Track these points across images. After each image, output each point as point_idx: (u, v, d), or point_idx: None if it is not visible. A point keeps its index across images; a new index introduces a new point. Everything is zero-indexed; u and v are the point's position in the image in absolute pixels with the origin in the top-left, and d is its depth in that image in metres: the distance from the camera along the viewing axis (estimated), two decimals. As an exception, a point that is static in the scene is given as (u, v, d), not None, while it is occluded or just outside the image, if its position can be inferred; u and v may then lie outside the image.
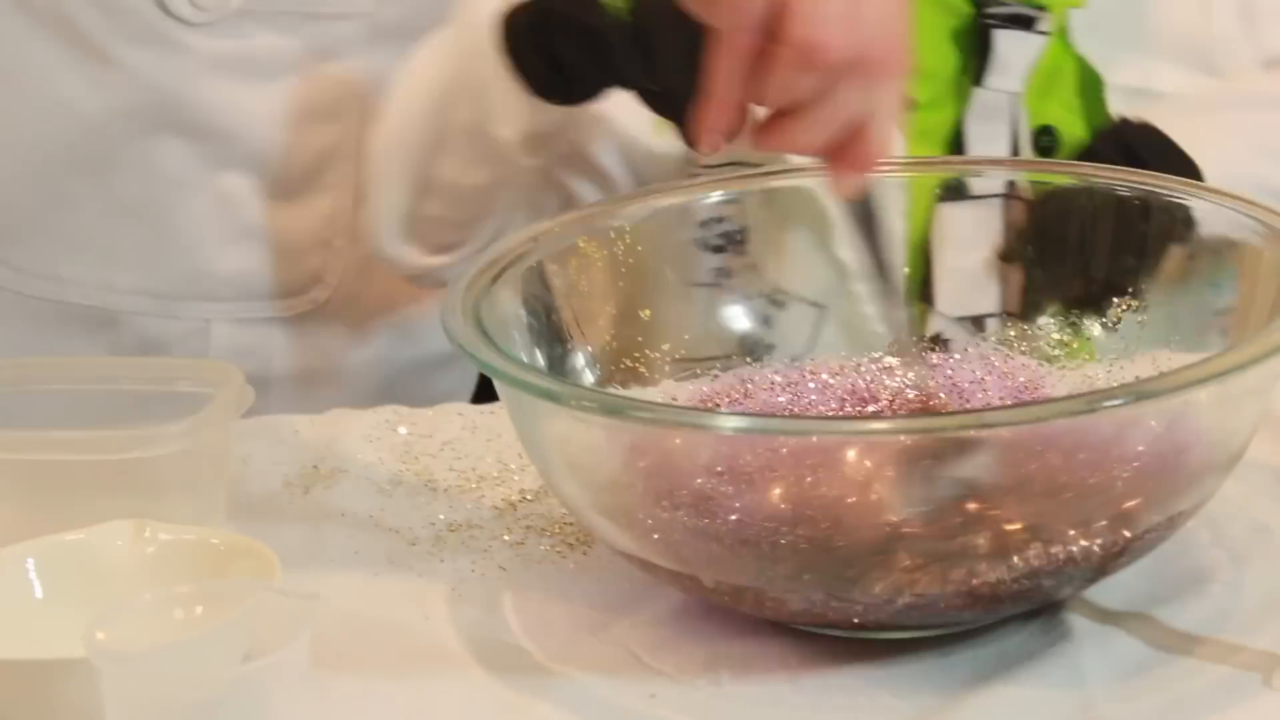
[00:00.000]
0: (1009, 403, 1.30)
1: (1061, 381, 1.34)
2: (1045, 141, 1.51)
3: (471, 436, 1.42)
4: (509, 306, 1.26)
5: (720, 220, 1.36)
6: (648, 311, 1.34)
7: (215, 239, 1.62)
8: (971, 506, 1.11)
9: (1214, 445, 1.15)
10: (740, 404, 1.32)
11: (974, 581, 1.10)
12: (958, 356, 1.35)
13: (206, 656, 1.04)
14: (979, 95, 1.50)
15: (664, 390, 1.34)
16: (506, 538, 1.30)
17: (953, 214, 1.43)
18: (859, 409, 1.31)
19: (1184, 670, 1.13)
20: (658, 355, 1.35)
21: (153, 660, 1.03)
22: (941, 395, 1.30)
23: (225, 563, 1.17)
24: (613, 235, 1.33)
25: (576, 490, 1.18)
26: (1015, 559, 1.10)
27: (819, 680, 1.14)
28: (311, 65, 1.60)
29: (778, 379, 1.34)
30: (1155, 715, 1.09)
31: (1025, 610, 1.16)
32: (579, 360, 1.31)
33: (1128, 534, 1.13)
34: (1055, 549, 1.11)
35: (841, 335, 1.38)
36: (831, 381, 1.33)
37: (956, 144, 1.51)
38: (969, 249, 1.42)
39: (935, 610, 1.12)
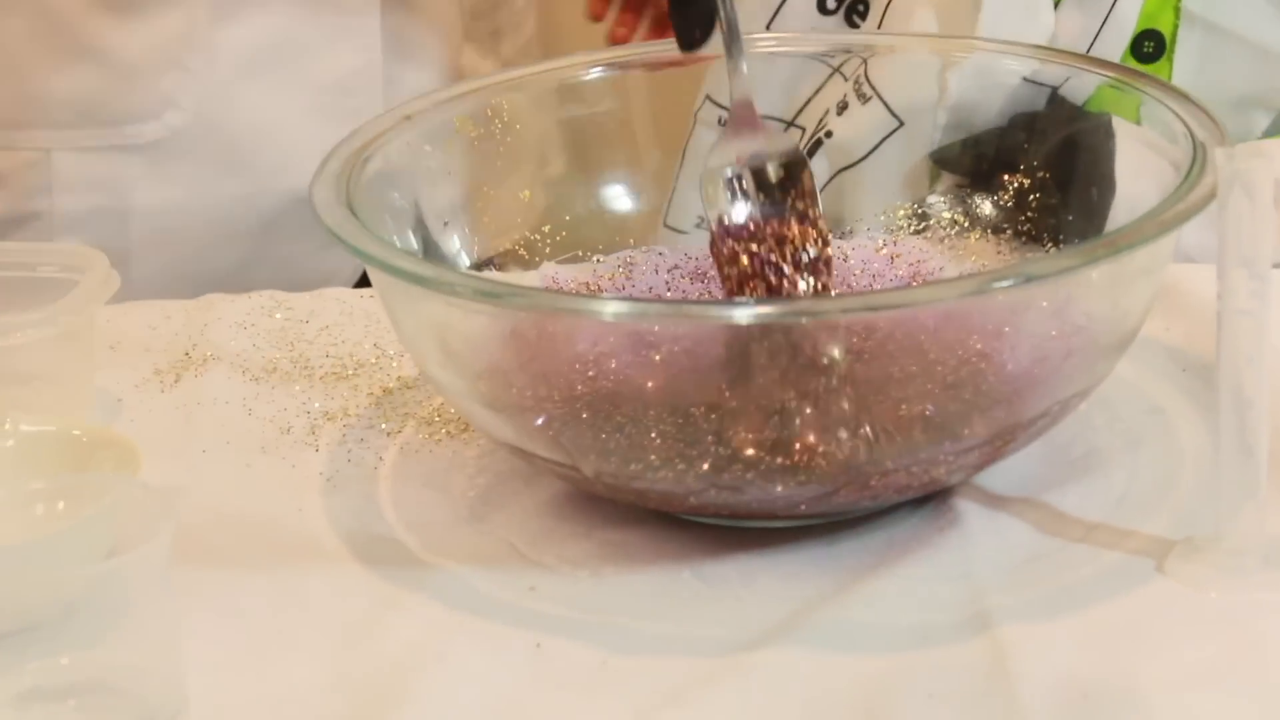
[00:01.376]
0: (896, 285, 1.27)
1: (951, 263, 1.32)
2: (1148, 48, 1.45)
3: (350, 322, 1.39)
4: (381, 186, 1.22)
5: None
6: (527, 193, 1.30)
7: (44, 58, 1.54)
8: (855, 389, 1.09)
9: (1105, 327, 1.12)
10: (622, 288, 1.29)
11: (857, 467, 1.08)
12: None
13: (67, 553, 1.01)
14: None
15: (544, 274, 1.31)
16: (384, 426, 1.27)
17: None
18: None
19: (1075, 557, 1.11)
20: (538, 238, 1.32)
21: (11, 557, 1.00)
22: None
23: (88, 455, 1.14)
24: (489, 113, 1.30)
25: (453, 378, 1.15)
26: (902, 444, 1.08)
27: (701, 570, 1.11)
28: None
29: (662, 259, 1.31)
30: (1045, 604, 1.07)
31: (914, 498, 1.13)
32: (454, 243, 1.28)
33: (1018, 417, 1.11)
34: (943, 433, 1.09)
35: None
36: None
37: None
38: None
39: (820, 498, 1.09)
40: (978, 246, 1.32)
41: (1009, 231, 1.31)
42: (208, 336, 1.38)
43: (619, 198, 1.34)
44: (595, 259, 1.31)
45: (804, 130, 1.44)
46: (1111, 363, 1.15)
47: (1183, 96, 1.21)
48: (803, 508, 1.11)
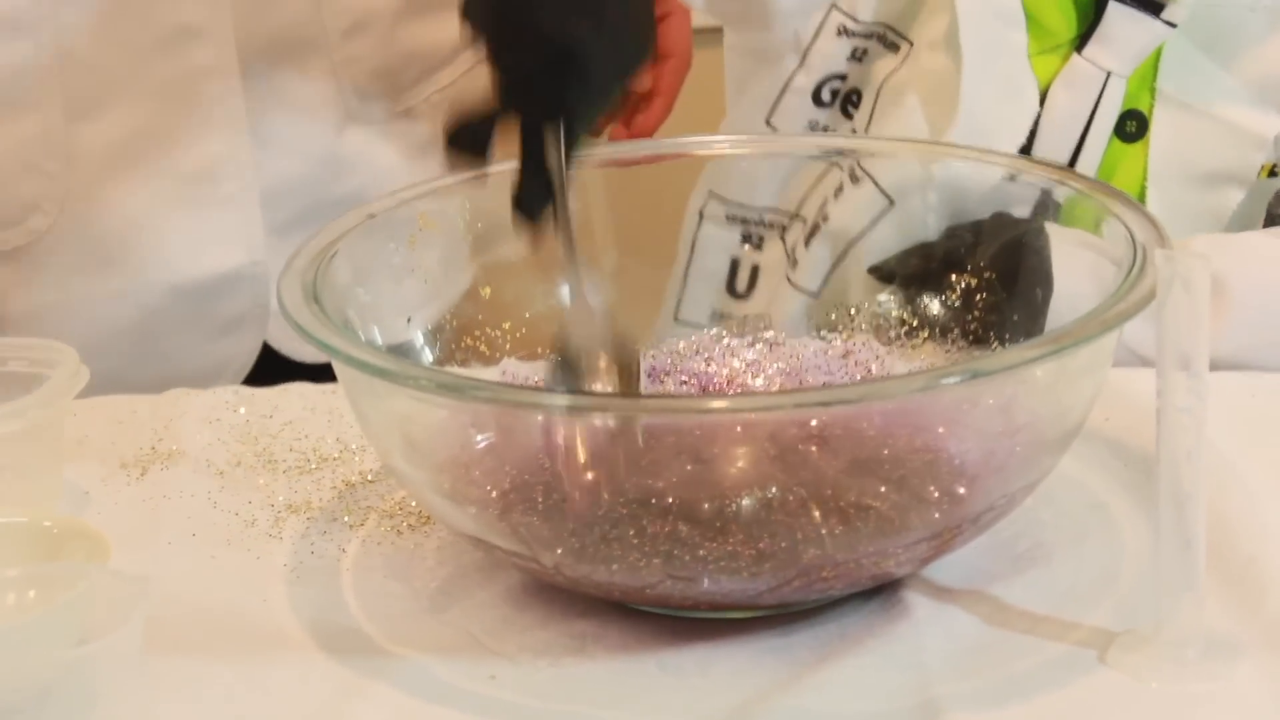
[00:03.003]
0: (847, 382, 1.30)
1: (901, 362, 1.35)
2: (1130, 127, 1.49)
3: (312, 416, 1.41)
4: (346, 283, 1.24)
5: None
6: (488, 289, 1.33)
7: None
8: (806, 486, 1.11)
9: (1050, 423, 1.15)
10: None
11: (809, 560, 1.10)
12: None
13: (40, 638, 1.02)
14: (1074, 62, 1.47)
15: (504, 369, 1.33)
16: (346, 519, 1.29)
17: None
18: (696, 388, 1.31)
19: (1021, 648, 1.13)
20: (498, 334, 1.34)
21: (-17, 645, 1.02)
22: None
23: (58, 546, 1.16)
24: (453, 212, 1.33)
25: (415, 470, 1.17)
26: (852, 538, 1.11)
27: (658, 659, 1.13)
28: None
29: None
30: (992, 692, 1.09)
31: (864, 590, 1.16)
32: (418, 339, 1.31)
33: (965, 512, 1.13)
34: (891, 527, 1.12)
35: None
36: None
37: (1043, 101, 1.48)
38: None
39: (772, 589, 1.12)
40: (926, 347, 1.35)
41: (956, 332, 1.34)
42: (173, 431, 1.40)
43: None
44: (553, 356, 1.34)
45: (806, 220, 1.47)
46: (1056, 457, 1.18)
47: (1125, 199, 1.25)
48: (757, 598, 1.13)
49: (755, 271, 1.50)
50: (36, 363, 1.31)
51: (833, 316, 1.39)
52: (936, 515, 1.13)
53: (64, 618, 1.04)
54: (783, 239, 1.49)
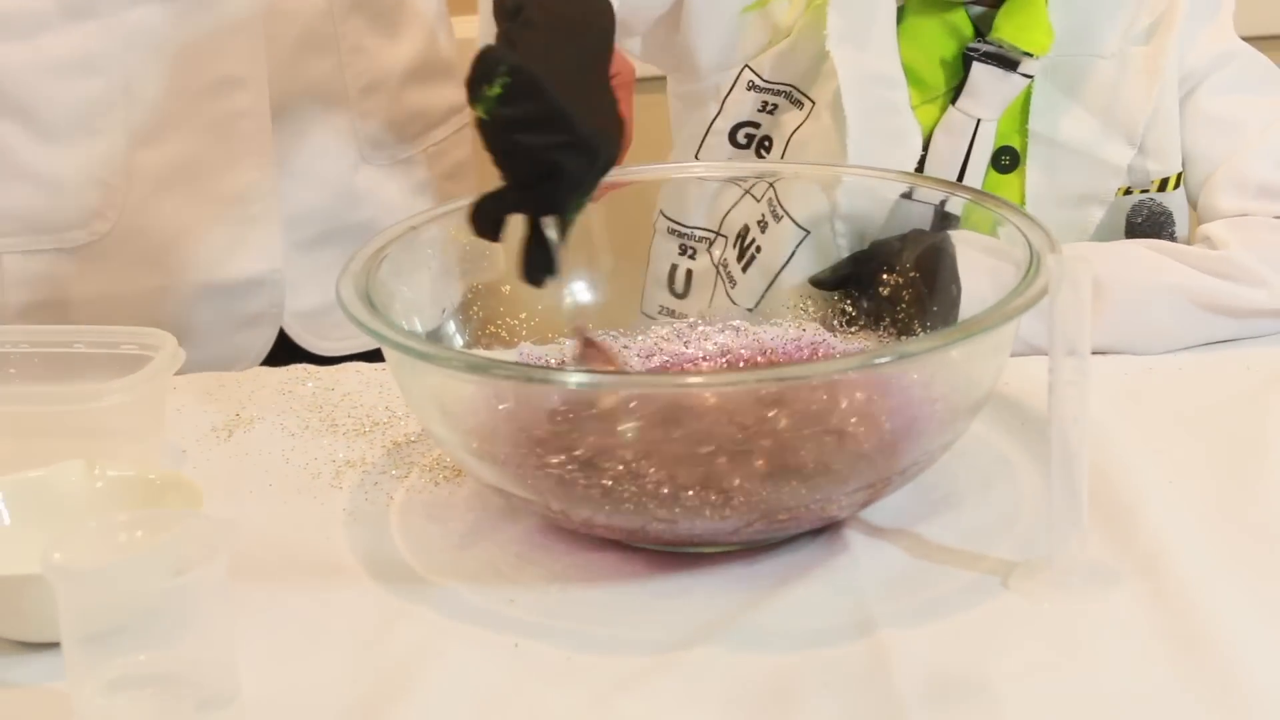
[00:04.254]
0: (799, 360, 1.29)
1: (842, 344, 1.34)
2: (1004, 161, 1.47)
3: (366, 389, 1.40)
4: (393, 283, 1.24)
5: None
6: (508, 287, 1.32)
7: None
8: (767, 447, 1.10)
9: (963, 394, 1.15)
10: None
11: (769, 507, 1.10)
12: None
13: (144, 572, 1.02)
14: (951, 113, 1.45)
15: (521, 352, 1.33)
16: (394, 472, 1.28)
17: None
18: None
19: (939, 575, 1.13)
20: (517, 322, 1.34)
21: (98, 576, 1.01)
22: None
23: (160, 495, 1.15)
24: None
25: (449, 434, 1.16)
26: (804, 491, 1.10)
27: (644, 587, 1.13)
28: (68, 22, 1.51)
29: (613, 339, 1.33)
30: (916, 612, 1.09)
31: (813, 529, 1.15)
32: (450, 327, 1.30)
33: (894, 467, 1.13)
34: (835, 479, 1.11)
35: None
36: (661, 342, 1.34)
37: (927, 144, 1.46)
38: None
39: (739, 531, 1.11)
40: (862, 334, 1.34)
41: (887, 321, 1.33)
42: (254, 401, 1.39)
43: (580, 292, 1.35)
44: (561, 340, 1.33)
45: (726, 238, 1.46)
46: (968, 422, 1.17)
47: (1012, 208, 1.24)
48: (727, 537, 1.12)
49: (689, 275, 1.49)
50: (145, 346, 1.30)
51: (787, 306, 1.39)
52: (871, 469, 1.12)
53: (164, 553, 1.03)
54: (709, 251, 1.48)
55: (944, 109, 1.45)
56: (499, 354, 1.32)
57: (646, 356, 1.34)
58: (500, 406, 1.14)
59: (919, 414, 1.13)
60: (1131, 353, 1.38)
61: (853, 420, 1.12)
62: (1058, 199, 1.45)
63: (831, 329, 1.36)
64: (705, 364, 1.32)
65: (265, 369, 1.46)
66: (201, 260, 1.57)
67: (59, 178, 1.55)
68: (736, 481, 1.09)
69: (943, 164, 1.45)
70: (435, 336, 1.28)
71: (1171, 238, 1.48)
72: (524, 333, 1.34)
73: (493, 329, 1.33)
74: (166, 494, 1.15)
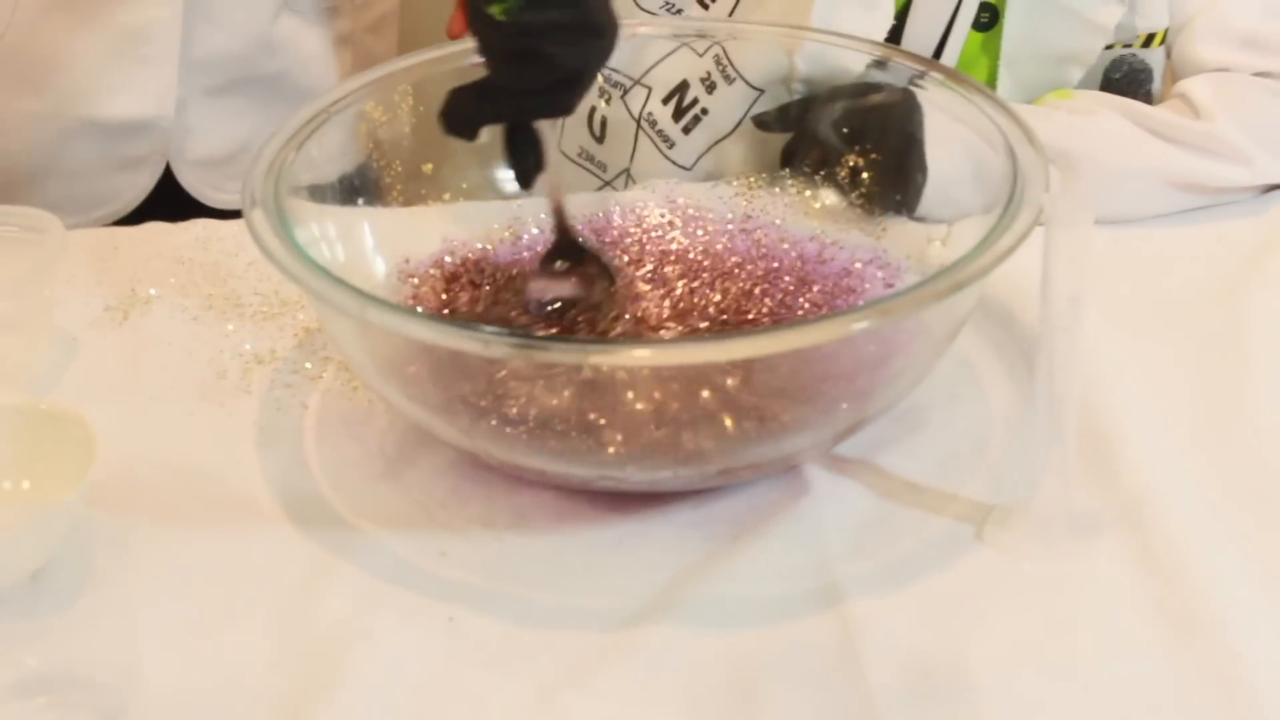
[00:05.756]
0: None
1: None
2: (983, 18, 1.28)
3: (274, 254, 1.24)
4: (304, 174, 1.07)
5: None
6: (429, 165, 1.16)
7: None
8: (731, 400, 0.97)
9: (940, 329, 1.01)
10: (511, 253, 1.15)
11: (732, 466, 0.96)
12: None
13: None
14: None
15: (444, 237, 1.17)
16: (308, 367, 1.14)
17: None
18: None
19: (907, 524, 1.01)
20: (440, 204, 1.18)
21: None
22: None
23: (48, 432, 1.00)
24: (396, 98, 1.15)
25: (372, 378, 1.02)
26: (771, 446, 0.97)
27: (589, 534, 1.00)
28: None
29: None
30: (884, 575, 0.97)
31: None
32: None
33: (866, 411, 1.00)
34: (803, 430, 0.98)
35: None
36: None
37: (905, 8, 1.28)
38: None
39: (696, 484, 0.98)
40: (821, 209, 1.20)
41: (851, 195, 1.18)
42: (150, 272, 1.23)
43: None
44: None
45: (650, 89, 1.29)
46: (942, 352, 1.03)
47: (990, 96, 1.08)
48: (680, 488, 0.99)
49: (604, 122, 1.32)
50: (25, 229, 1.14)
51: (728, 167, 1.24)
52: (842, 418, 0.99)
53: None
54: (625, 101, 1.31)
55: None
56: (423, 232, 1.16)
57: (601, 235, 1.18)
58: (426, 358, 0.99)
59: (894, 351, 0.99)
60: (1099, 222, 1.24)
61: (825, 376, 0.98)
62: (1037, 57, 1.29)
63: (774, 191, 1.20)
64: (653, 281, 1.15)
65: (161, 226, 1.29)
66: (84, 92, 1.40)
67: None
68: (700, 443, 0.95)
69: (924, 29, 1.28)
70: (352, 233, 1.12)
71: (1148, 96, 1.32)
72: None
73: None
74: (54, 431, 1.00)
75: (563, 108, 1.01)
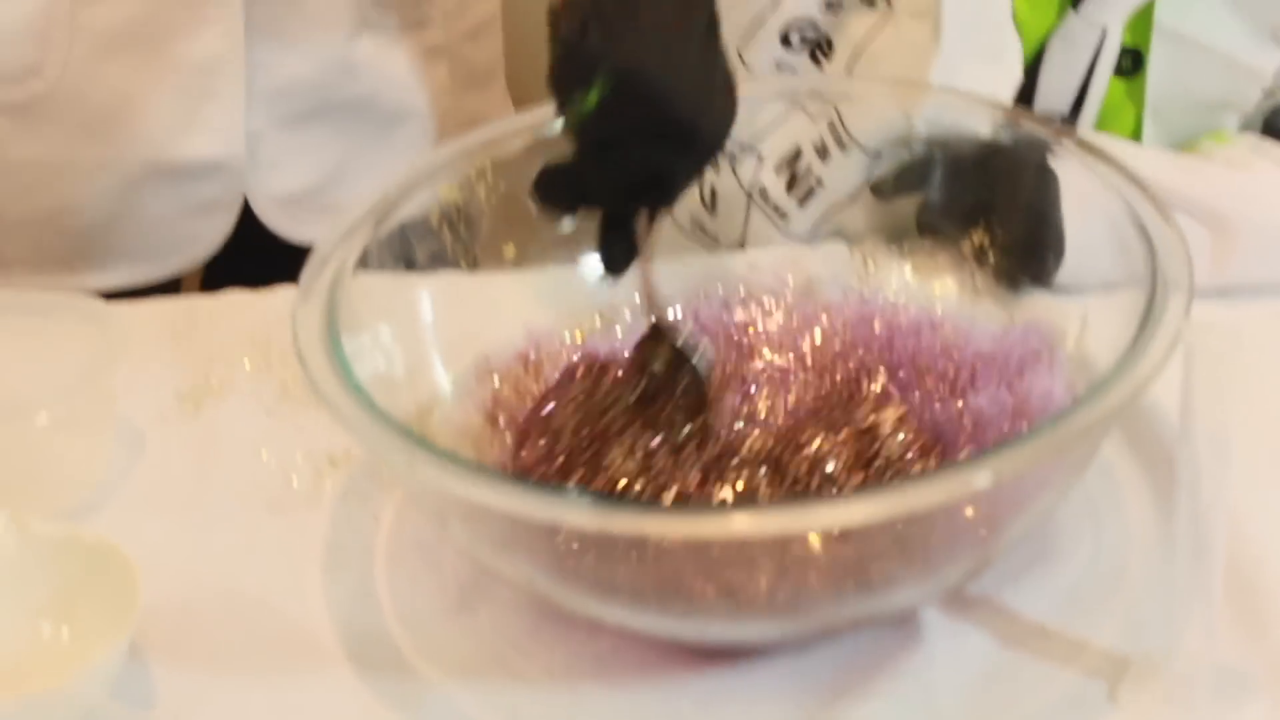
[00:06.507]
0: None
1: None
2: (1125, 64, 1.16)
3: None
4: (372, 262, 0.98)
5: None
6: (511, 248, 1.05)
7: None
8: (826, 554, 0.85)
9: (1075, 464, 0.88)
10: (603, 343, 1.04)
11: (833, 622, 0.85)
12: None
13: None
14: (1070, 19, 1.14)
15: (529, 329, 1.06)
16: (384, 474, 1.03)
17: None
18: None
19: (1032, 679, 0.89)
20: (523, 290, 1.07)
21: None
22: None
23: (87, 565, 0.91)
24: (474, 176, 1.04)
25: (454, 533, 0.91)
26: (869, 598, 0.85)
27: (675, 689, 0.89)
28: None
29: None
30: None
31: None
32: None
33: (983, 562, 0.87)
34: (909, 585, 0.86)
35: None
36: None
37: (1038, 57, 1.16)
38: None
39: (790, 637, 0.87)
40: (944, 286, 1.07)
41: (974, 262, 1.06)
42: (227, 351, 1.14)
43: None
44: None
45: (764, 160, 1.17)
46: (1077, 480, 0.91)
47: (1139, 187, 0.95)
48: (774, 643, 0.88)
49: (714, 192, 1.20)
50: (84, 320, 1.05)
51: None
52: (962, 566, 0.86)
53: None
54: (735, 171, 1.19)
55: (1060, 13, 1.14)
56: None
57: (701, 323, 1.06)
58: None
59: (1021, 497, 0.87)
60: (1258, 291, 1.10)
61: (952, 525, 0.86)
62: (1185, 104, 1.15)
63: (892, 265, 1.08)
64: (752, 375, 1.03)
65: (241, 297, 1.20)
66: (150, 135, 1.31)
67: None
68: (796, 600, 0.84)
69: (1059, 80, 1.14)
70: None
71: None
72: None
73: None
74: (94, 564, 0.91)
75: (656, 203, 0.91)
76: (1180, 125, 1.15)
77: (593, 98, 0.84)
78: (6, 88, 1.30)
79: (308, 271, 0.95)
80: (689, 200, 1.20)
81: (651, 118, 0.85)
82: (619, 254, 0.94)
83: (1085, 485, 0.98)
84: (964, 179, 1.08)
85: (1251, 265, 1.10)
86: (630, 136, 0.86)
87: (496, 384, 1.02)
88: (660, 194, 0.91)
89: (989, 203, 1.06)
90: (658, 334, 0.98)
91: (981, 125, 1.05)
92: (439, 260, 1.03)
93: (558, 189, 0.91)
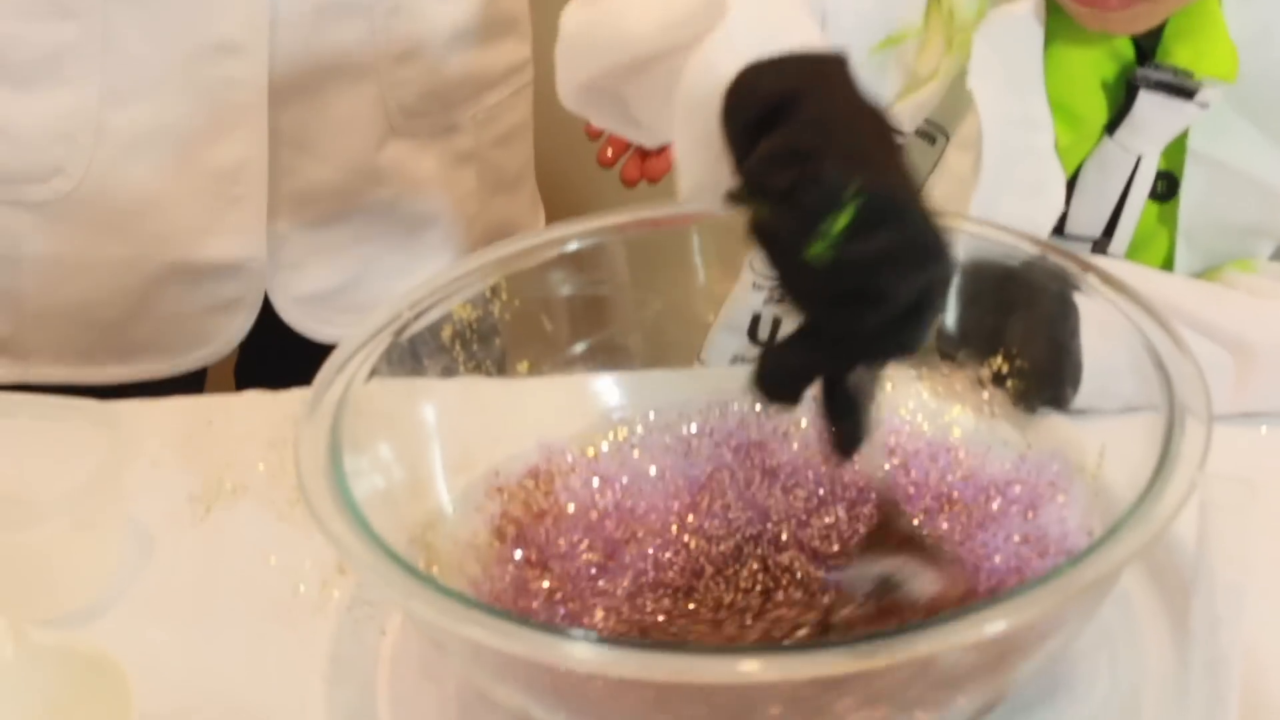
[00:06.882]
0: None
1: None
2: (1160, 188, 1.14)
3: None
4: (382, 376, 0.96)
5: None
6: (524, 364, 1.03)
7: None
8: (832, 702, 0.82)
9: (1089, 605, 0.86)
10: (615, 460, 1.02)
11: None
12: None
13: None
14: (1106, 145, 1.12)
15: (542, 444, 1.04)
16: (391, 581, 1.02)
17: None
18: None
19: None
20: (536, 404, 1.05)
21: None
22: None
23: (81, 679, 0.89)
24: (487, 294, 1.03)
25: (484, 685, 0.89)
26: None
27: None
28: None
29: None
30: None
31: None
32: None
33: (995, 700, 0.85)
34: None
35: None
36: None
37: (1072, 181, 1.14)
38: None
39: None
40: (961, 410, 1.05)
41: (990, 382, 1.04)
42: (243, 454, 1.12)
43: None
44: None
45: None
46: (1092, 618, 0.88)
47: (1173, 337, 0.92)
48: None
49: (776, 320, 1.18)
50: (96, 423, 1.04)
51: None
52: (974, 710, 0.84)
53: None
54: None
55: (1097, 140, 1.12)
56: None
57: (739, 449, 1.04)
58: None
59: (1031, 640, 0.84)
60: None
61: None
62: (1219, 229, 1.13)
63: (908, 389, 1.06)
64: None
65: (260, 397, 1.19)
66: (172, 235, 1.32)
67: (19, 125, 1.30)
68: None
69: (1092, 204, 1.13)
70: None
71: None
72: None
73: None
74: (89, 676, 0.89)
75: (905, 346, 0.83)
76: (1214, 249, 1.14)
77: (842, 220, 0.78)
78: (32, 186, 1.30)
79: (316, 386, 0.94)
80: (730, 339, 1.19)
81: (903, 234, 0.79)
82: (855, 426, 0.85)
83: (1101, 614, 0.95)
84: (984, 305, 1.06)
85: (1274, 390, 1.07)
86: (884, 260, 0.79)
87: (505, 499, 1.00)
88: (910, 332, 0.82)
89: (1008, 330, 1.04)
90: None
91: (1004, 254, 1.03)
92: (451, 375, 1.01)
93: (788, 367, 0.83)
